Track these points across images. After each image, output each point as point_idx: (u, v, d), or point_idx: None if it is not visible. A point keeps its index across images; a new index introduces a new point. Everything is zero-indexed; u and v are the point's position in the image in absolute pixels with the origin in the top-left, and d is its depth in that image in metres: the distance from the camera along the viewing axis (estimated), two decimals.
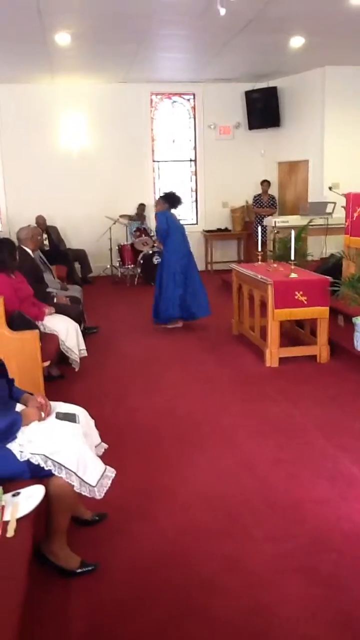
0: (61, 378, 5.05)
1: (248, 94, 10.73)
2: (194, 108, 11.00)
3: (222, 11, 6.31)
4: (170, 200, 6.90)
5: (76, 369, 5.04)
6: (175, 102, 10.99)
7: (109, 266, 10.49)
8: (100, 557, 2.62)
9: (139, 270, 9.85)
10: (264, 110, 10.65)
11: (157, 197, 7.25)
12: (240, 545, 2.70)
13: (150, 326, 6.93)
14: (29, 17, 6.60)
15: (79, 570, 2.52)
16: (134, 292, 9.35)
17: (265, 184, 10.68)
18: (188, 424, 4.14)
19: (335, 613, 2.25)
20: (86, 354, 5.12)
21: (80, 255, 9.99)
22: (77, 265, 9.85)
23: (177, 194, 7.02)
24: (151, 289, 9.29)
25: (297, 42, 8.15)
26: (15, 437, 2.41)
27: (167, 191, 7.15)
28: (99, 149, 10.59)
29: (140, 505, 3.06)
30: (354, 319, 5.29)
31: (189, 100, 10.99)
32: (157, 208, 7.04)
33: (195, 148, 11.16)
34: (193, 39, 7.95)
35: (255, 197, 10.80)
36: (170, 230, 6.78)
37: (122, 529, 2.86)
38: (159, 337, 6.54)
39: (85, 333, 5.74)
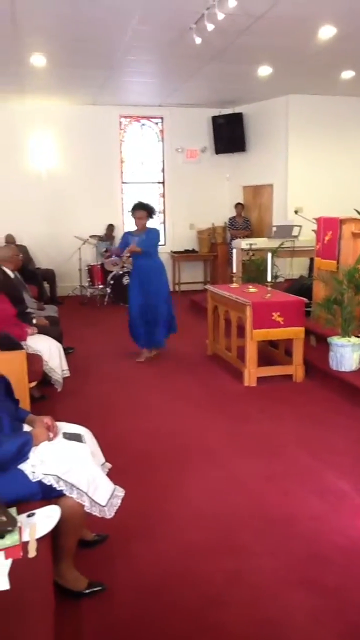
0: (43, 399, 5.03)
1: (214, 119, 11.01)
2: (162, 131, 11.20)
3: (198, 40, 6.54)
4: (151, 211, 6.32)
5: (59, 390, 5.02)
6: (144, 125, 11.17)
7: (78, 286, 10.48)
8: (104, 578, 2.62)
9: (108, 291, 9.88)
10: (229, 135, 10.94)
11: (137, 208, 6.20)
12: (241, 561, 2.76)
13: (126, 347, 6.94)
14: (6, 38, 6.66)
15: (87, 591, 2.53)
16: (105, 313, 9.37)
17: (239, 206, 10.97)
18: (176, 444, 4.18)
19: (344, 624, 2.32)
20: (69, 374, 5.11)
21: (49, 275, 9.95)
22: (45, 285, 9.81)
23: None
24: (121, 309, 9.35)
25: (264, 71, 8.47)
26: (28, 458, 2.42)
27: (139, 202, 6.33)
28: (68, 170, 10.65)
29: (139, 526, 3.08)
30: (329, 339, 5.47)
31: (157, 123, 11.19)
32: (145, 222, 6.20)
33: (163, 170, 11.34)
34: (164, 66, 8.16)
35: (230, 219, 11.07)
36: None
37: (123, 550, 2.88)
38: (136, 357, 6.56)
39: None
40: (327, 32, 6.69)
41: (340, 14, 6.16)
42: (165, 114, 11.05)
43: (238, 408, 4.96)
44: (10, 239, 9.23)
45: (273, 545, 2.89)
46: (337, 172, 10.38)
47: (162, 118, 11.13)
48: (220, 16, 5.80)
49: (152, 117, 11.15)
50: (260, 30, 6.53)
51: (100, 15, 6.02)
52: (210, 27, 6.11)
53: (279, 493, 3.42)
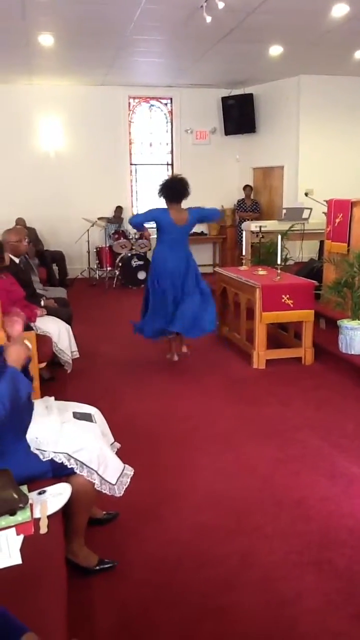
0: (52, 380, 5.05)
1: (224, 100, 10.88)
2: (171, 112, 11.10)
3: (208, 19, 6.44)
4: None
5: (68, 371, 5.04)
6: (152, 106, 11.07)
7: (86, 268, 10.48)
8: (116, 556, 2.65)
9: (117, 273, 9.87)
10: (239, 116, 10.83)
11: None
12: (252, 543, 2.77)
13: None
14: (14, 18, 6.59)
15: (98, 568, 2.56)
16: (113, 295, 9.36)
17: (248, 188, 10.89)
18: (186, 427, 4.19)
19: (356, 606, 2.33)
20: (78, 356, 5.12)
21: (58, 257, 9.94)
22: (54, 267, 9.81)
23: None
24: (130, 292, 9.37)
25: (275, 51, 8.34)
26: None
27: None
28: (76, 151, 10.59)
29: (150, 506, 3.10)
30: (338, 322, 5.45)
31: (166, 104, 11.09)
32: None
33: (172, 152, 11.25)
34: (173, 46, 8.05)
35: (238, 201, 10.98)
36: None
37: (135, 529, 2.90)
38: (145, 339, 6.55)
39: None
40: (340, 10, 6.56)
41: None
42: (175, 94, 10.94)
43: (247, 390, 4.96)
44: (21, 222, 9.19)
45: (284, 528, 2.90)
46: (349, 154, 10.26)
47: (171, 99, 11.02)
48: None
49: (161, 98, 11.04)
50: (271, 8, 6.41)
51: None
52: (220, 5, 6.03)
53: (289, 476, 3.43)
